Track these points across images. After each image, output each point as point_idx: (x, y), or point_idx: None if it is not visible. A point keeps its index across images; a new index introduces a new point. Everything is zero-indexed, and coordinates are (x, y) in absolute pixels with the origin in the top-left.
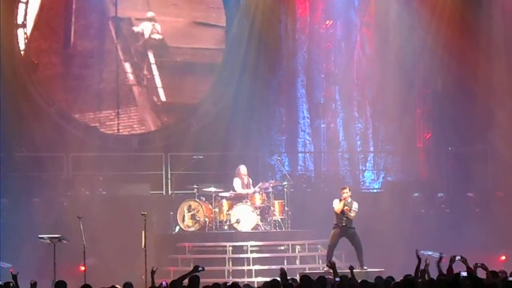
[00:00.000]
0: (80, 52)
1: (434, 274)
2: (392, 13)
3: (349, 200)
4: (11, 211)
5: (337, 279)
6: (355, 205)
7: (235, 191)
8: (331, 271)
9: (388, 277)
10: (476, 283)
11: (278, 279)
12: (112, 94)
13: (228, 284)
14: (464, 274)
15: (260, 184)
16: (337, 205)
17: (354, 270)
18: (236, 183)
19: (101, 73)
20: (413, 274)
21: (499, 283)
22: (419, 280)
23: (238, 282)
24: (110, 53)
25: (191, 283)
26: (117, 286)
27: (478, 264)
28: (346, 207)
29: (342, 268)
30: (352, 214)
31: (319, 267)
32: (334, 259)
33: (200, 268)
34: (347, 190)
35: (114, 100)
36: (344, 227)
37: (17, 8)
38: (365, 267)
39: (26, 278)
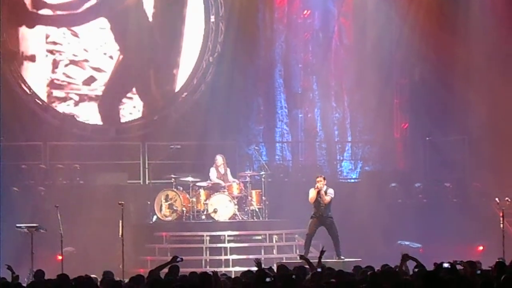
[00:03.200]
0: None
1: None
2: (369, 3)
3: (324, 188)
4: None
5: (319, 269)
6: (330, 191)
7: (211, 180)
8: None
9: (367, 266)
10: (456, 275)
11: (255, 269)
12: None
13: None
14: (446, 265)
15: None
16: (311, 194)
17: (331, 260)
18: (212, 172)
19: None
20: (390, 264)
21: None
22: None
23: (216, 271)
24: None
25: (170, 273)
26: (93, 275)
27: (457, 261)
28: (321, 193)
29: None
30: (328, 198)
31: (296, 257)
32: (311, 248)
33: (178, 259)
34: (320, 179)
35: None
36: (320, 216)
37: None
38: (342, 257)
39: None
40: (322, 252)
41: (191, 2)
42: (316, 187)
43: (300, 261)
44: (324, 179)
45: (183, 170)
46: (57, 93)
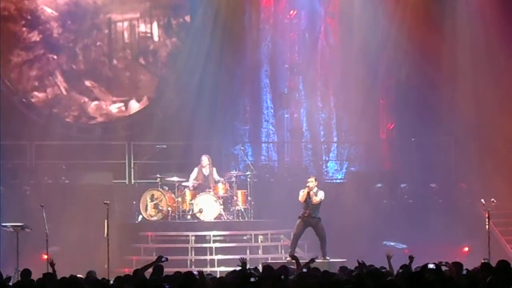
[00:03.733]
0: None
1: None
2: (356, 3)
3: (315, 189)
4: None
5: (305, 270)
6: (321, 193)
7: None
8: (294, 261)
9: (356, 267)
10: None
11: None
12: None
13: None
14: (431, 266)
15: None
16: (301, 194)
17: (316, 260)
18: (193, 173)
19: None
20: (375, 265)
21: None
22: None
23: (202, 271)
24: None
25: (155, 273)
26: (78, 275)
27: (443, 263)
28: (311, 194)
29: (305, 258)
30: (317, 199)
31: (282, 257)
32: (297, 249)
33: (163, 259)
34: (311, 179)
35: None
36: (308, 217)
37: None
38: (328, 257)
39: None
40: (312, 261)
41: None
42: (307, 186)
43: (284, 261)
44: (316, 180)
45: (168, 170)
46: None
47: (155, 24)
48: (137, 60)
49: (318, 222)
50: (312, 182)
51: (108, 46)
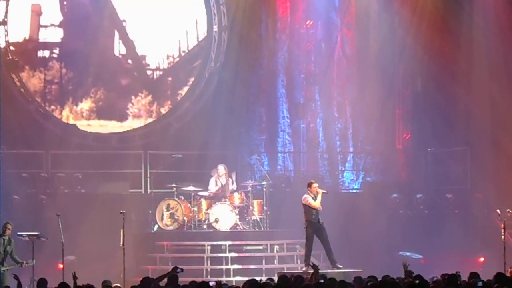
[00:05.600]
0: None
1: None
2: (372, 13)
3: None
4: None
5: (321, 280)
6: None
7: (210, 190)
8: (310, 271)
9: (369, 277)
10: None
11: (257, 279)
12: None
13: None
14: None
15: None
16: (314, 201)
17: (331, 271)
18: (211, 182)
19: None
20: (391, 275)
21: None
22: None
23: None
24: None
25: (170, 282)
26: (92, 285)
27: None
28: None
29: (322, 268)
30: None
31: (297, 267)
32: (313, 259)
33: (178, 270)
34: (317, 184)
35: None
36: (317, 223)
37: None
38: (339, 265)
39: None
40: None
41: (194, 12)
42: (318, 192)
43: (300, 271)
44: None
45: (184, 179)
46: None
47: None
48: None
49: (323, 227)
50: (318, 187)
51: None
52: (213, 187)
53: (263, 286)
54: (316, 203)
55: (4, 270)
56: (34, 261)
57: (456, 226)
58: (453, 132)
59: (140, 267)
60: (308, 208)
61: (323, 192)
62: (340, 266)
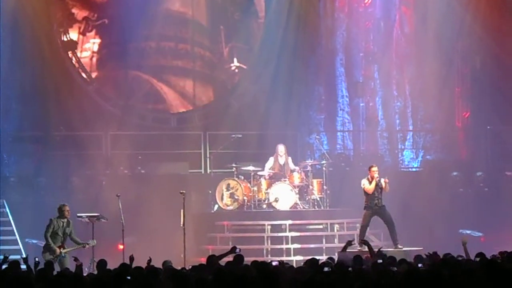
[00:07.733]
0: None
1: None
2: None
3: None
4: (50, 190)
5: (380, 261)
6: (382, 181)
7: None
8: (366, 249)
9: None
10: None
11: (317, 258)
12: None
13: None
14: None
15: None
16: (368, 185)
17: (390, 249)
18: (268, 162)
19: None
20: (451, 253)
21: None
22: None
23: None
24: None
25: (235, 261)
26: (152, 264)
27: None
28: (380, 185)
29: (382, 246)
30: (388, 187)
31: (357, 246)
32: (373, 237)
33: (237, 250)
34: (376, 168)
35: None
36: (376, 206)
37: None
38: (400, 246)
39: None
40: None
41: None
42: (373, 177)
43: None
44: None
45: (244, 159)
46: None
47: None
48: None
49: (385, 209)
50: (377, 172)
51: None
52: (267, 168)
53: (323, 265)
54: (369, 188)
55: (65, 253)
56: (95, 242)
57: None
58: None
59: (200, 247)
60: (364, 192)
61: (384, 181)
62: (400, 246)
